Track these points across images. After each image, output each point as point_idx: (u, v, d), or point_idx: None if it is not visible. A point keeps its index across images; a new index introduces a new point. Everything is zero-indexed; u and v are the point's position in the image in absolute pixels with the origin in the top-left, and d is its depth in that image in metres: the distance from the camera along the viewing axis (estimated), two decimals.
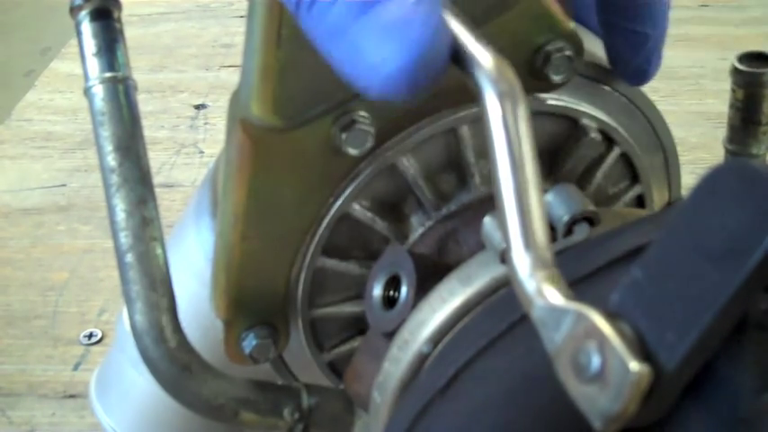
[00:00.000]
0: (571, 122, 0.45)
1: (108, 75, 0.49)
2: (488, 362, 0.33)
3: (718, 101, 1.06)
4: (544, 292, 0.29)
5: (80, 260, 0.95)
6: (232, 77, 1.20)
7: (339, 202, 0.43)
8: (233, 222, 0.42)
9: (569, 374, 0.27)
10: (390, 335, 0.40)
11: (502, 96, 0.31)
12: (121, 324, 0.52)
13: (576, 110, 0.44)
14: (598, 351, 0.26)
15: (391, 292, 0.42)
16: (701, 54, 1.15)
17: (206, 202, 0.48)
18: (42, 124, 1.17)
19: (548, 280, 0.29)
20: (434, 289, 0.39)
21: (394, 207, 0.44)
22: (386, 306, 0.42)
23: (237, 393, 0.46)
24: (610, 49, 0.44)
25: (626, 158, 0.46)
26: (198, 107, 1.18)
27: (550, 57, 0.41)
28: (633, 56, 0.43)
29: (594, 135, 0.44)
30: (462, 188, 0.44)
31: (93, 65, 0.49)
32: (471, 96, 0.38)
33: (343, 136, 0.40)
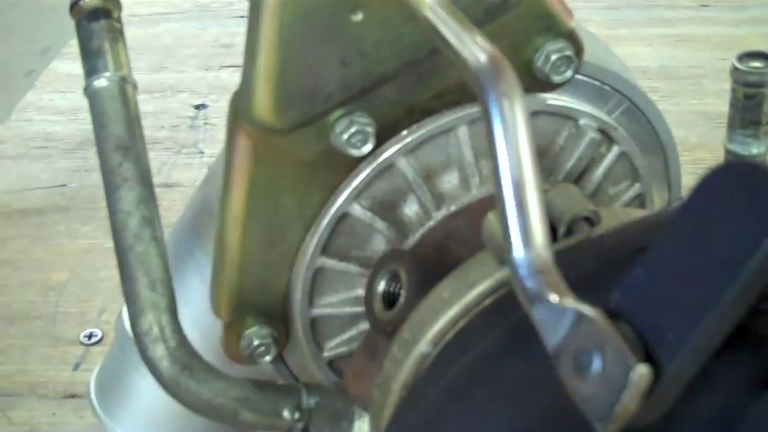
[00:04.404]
0: (571, 122, 0.45)
1: (108, 75, 0.49)
2: (489, 363, 0.33)
3: (718, 101, 1.06)
4: (544, 292, 0.29)
5: (80, 260, 0.95)
6: (232, 77, 1.20)
7: (339, 202, 0.43)
8: (233, 222, 0.42)
9: (570, 374, 0.27)
10: (390, 335, 0.40)
11: (502, 96, 0.31)
12: (121, 324, 0.52)
13: (575, 110, 0.44)
14: (598, 351, 0.26)
15: (392, 292, 0.42)
16: (701, 54, 1.15)
17: (206, 202, 0.48)
18: (42, 124, 1.17)
19: (548, 280, 0.29)
20: (434, 289, 0.39)
21: (394, 207, 0.44)
22: (386, 306, 0.42)
23: (237, 393, 0.46)
24: None
25: (626, 158, 0.46)
26: (198, 107, 1.18)
27: (550, 57, 0.41)
28: None
29: (594, 135, 0.44)
30: (462, 188, 0.44)
31: (93, 65, 0.49)
32: (471, 96, 0.38)
33: (344, 137, 0.40)
